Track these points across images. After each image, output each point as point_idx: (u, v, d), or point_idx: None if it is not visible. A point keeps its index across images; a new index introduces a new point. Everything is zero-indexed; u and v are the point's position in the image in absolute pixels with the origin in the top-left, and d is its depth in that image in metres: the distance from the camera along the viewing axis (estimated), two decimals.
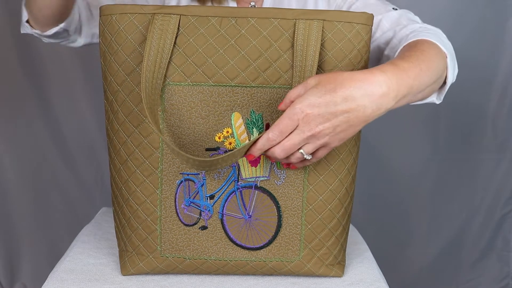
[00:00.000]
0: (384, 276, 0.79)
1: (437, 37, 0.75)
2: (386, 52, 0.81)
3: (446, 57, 0.74)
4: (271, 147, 0.60)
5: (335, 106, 0.57)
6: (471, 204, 1.61)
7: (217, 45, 0.67)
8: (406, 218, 1.63)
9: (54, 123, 1.51)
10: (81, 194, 1.57)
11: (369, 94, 0.57)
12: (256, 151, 0.61)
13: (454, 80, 0.78)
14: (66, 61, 1.46)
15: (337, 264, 0.74)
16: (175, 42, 0.67)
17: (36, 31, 0.84)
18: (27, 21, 0.84)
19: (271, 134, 0.59)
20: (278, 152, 0.60)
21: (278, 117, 0.68)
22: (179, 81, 0.67)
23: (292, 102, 0.60)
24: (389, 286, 0.76)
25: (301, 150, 0.60)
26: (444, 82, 0.75)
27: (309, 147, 0.60)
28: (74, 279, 0.73)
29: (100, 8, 0.68)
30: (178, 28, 0.67)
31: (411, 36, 0.74)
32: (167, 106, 0.68)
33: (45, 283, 0.72)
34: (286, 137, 0.59)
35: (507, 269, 1.67)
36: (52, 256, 1.53)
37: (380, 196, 1.61)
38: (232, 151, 0.61)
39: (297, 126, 0.58)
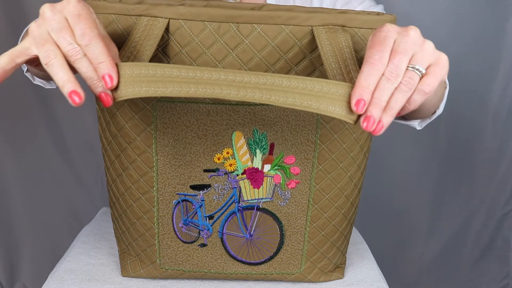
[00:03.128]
0: (384, 276, 0.79)
1: None
2: None
3: (447, 87, 0.75)
4: (378, 81, 0.46)
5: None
6: (471, 204, 1.61)
7: (215, 58, 0.57)
8: (406, 218, 1.63)
9: (54, 123, 1.51)
10: (81, 194, 1.57)
11: None
12: (364, 90, 0.45)
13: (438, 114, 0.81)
14: None
15: (337, 268, 0.74)
16: (165, 52, 0.57)
17: (41, 83, 0.79)
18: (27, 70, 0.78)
19: (370, 59, 0.46)
20: (387, 79, 0.46)
21: (284, 136, 0.62)
22: (172, 97, 0.59)
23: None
24: (389, 286, 0.76)
25: (412, 65, 0.47)
26: (434, 112, 0.77)
27: (418, 57, 0.47)
28: (74, 279, 0.73)
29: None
30: (168, 34, 0.56)
31: None
32: (159, 125, 0.60)
33: (45, 283, 0.72)
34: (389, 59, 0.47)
35: (507, 269, 1.67)
36: (52, 256, 1.53)
37: (380, 196, 1.61)
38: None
39: (394, 42, 0.47)
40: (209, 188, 0.64)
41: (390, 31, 0.48)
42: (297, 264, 0.70)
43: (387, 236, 1.62)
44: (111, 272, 0.75)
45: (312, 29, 0.56)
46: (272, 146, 0.62)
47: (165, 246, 0.68)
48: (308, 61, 0.58)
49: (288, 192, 0.65)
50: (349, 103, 0.46)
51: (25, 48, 0.47)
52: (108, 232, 0.89)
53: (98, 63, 0.46)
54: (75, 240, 0.87)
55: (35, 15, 1.40)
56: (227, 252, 0.68)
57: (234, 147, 0.62)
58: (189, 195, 0.65)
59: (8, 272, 1.60)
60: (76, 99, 0.46)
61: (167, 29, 0.56)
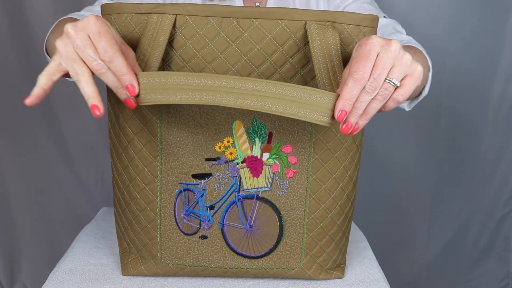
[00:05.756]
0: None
1: (423, 50, 0.80)
2: None
3: (430, 70, 0.79)
4: (360, 92, 0.52)
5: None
6: (471, 204, 1.61)
7: (217, 49, 0.63)
8: (406, 218, 1.63)
9: (54, 123, 1.51)
10: (81, 194, 1.57)
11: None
12: (347, 102, 0.52)
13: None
14: None
15: (337, 267, 0.75)
16: (172, 45, 0.63)
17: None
18: None
19: (355, 74, 0.52)
20: (367, 92, 0.52)
21: (281, 125, 0.66)
22: None
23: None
24: (389, 286, 0.76)
25: (389, 78, 0.53)
26: (420, 93, 0.81)
27: (395, 70, 0.53)
28: (74, 279, 0.73)
29: (101, 6, 0.65)
30: (175, 29, 0.62)
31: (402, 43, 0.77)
32: (164, 115, 0.65)
33: (45, 283, 0.72)
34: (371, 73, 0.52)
35: (507, 269, 1.67)
36: (52, 256, 1.53)
37: (380, 196, 1.61)
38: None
39: (377, 55, 0.53)
40: (210, 177, 0.68)
41: (375, 45, 0.53)
42: (296, 258, 0.71)
43: (387, 236, 1.62)
44: (111, 272, 0.75)
45: (305, 24, 0.62)
46: (270, 135, 0.67)
47: (166, 238, 0.70)
48: (303, 53, 0.63)
49: (286, 182, 0.68)
50: (331, 110, 0.54)
51: (58, 65, 0.55)
52: (108, 232, 0.89)
53: (121, 75, 0.54)
54: (75, 240, 0.87)
55: (35, 15, 1.40)
56: (227, 244, 0.70)
57: (234, 136, 0.66)
58: (191, 184, 0.68)
59: (8, 272, 1.60)
60: (97, 112, 0.54)
61: (174, 24, 0.62)
